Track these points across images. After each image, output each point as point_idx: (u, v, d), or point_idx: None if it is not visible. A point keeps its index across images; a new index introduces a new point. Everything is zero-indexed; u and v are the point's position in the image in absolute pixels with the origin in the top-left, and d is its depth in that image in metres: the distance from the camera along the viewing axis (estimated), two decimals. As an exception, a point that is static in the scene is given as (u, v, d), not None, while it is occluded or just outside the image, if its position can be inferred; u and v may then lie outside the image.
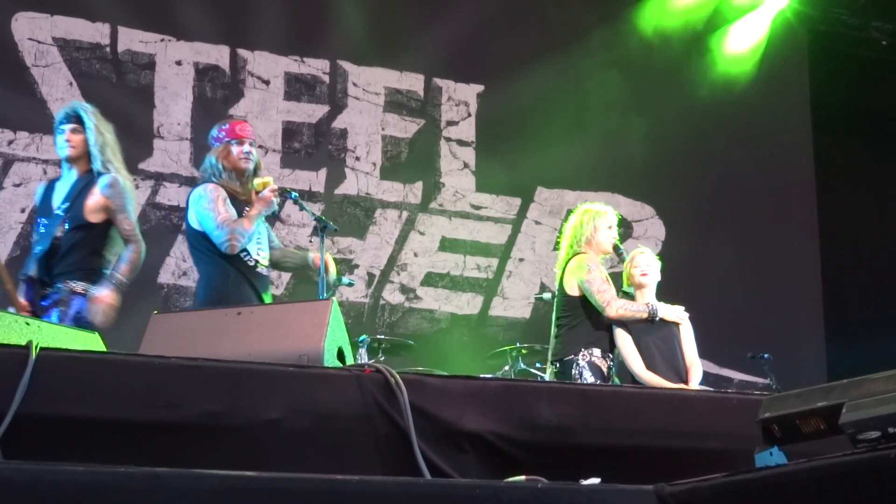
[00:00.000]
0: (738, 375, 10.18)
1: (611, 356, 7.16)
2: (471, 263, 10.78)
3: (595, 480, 3.19)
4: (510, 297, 10.84)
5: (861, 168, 12.18)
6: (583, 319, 7.15)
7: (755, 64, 11.70)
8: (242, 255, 6.35)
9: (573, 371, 7.00)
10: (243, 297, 6.21)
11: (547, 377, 7.42)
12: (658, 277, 7.63)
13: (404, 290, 10.49)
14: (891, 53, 12.13)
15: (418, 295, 10.52)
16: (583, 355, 7.02)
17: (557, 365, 7.16)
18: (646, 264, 7.61)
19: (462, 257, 10.76)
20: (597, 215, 7.35)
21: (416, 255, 10.60)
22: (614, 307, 7.06)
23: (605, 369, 7.05)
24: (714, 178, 11.45)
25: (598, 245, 7.29)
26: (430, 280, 10.59)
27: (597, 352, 7.05)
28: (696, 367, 7.49)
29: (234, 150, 6.47)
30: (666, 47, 11.35)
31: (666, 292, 7.72)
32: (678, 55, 11.42)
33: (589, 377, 6.93)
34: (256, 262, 6.41)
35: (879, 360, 3.62)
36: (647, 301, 7.41)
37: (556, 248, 10.70)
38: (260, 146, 9.77)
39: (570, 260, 7.30)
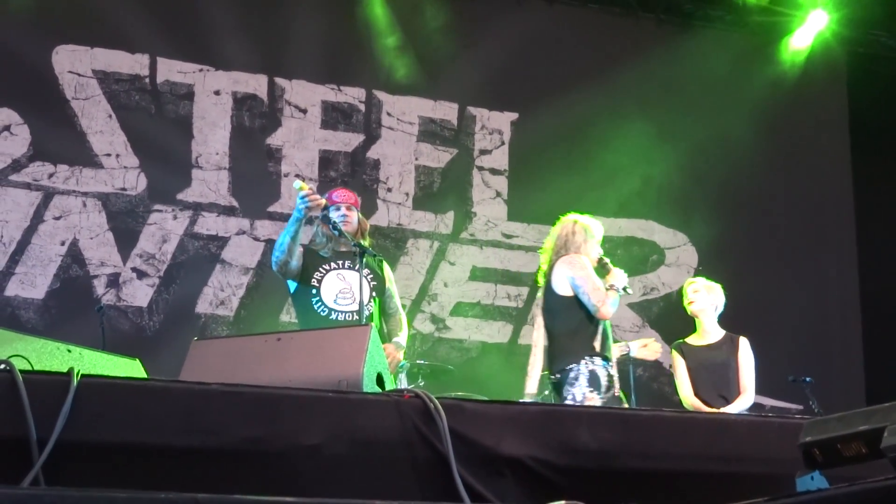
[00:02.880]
0: (769, 402, 10.10)
1: (612, 366, 7.03)
2: (501, 292, 10.78)
3: (635, 505, 3.18)
4: (540, 325, 10.80)
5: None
6: (581, 324, 6.96)
7: (793, 87, 11.67)
8: (315, 302, 6.57)
9: (569, 378, 6.82)
10: None
11: (530, 391, 7.21)
12: (710, 303, 7.70)
13: (434, 319, 10.49)
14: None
15: (447, 325, 10.52)
16: (585, 363, 6.88)
17: (557, 376, 6.98)
18: (692, 292, 7.73)
19: (493, 286, 10.76)
20: (588, 226, 7.30)
21: (446, 284, 10.61)
22: (609, 308, 6.96)
23: (604, 379, 6.84)
24: (749, 203, 11.43)
25: (588, 255, 7.22)
26: (460, 310, 10.59)
27: (598, 360, 6.91)
28: (745, 396, 7.54)
29: (332, 215, 6.69)
30: (700, 74, 11.33)
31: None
32: (713, 81, 11.40)
33: (584, 383, 6.77)
34: (331, 310, 6.54)
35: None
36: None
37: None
38: (297, 175, 9.85)
39: (555, 263, 7.20)
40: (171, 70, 10.02)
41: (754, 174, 11.46)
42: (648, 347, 7.63)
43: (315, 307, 6.58)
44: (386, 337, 6.74)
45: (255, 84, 10.29)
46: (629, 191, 10.79)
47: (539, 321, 7.31)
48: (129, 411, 3.42)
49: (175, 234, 9.78)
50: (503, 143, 11.03)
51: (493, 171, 10.98)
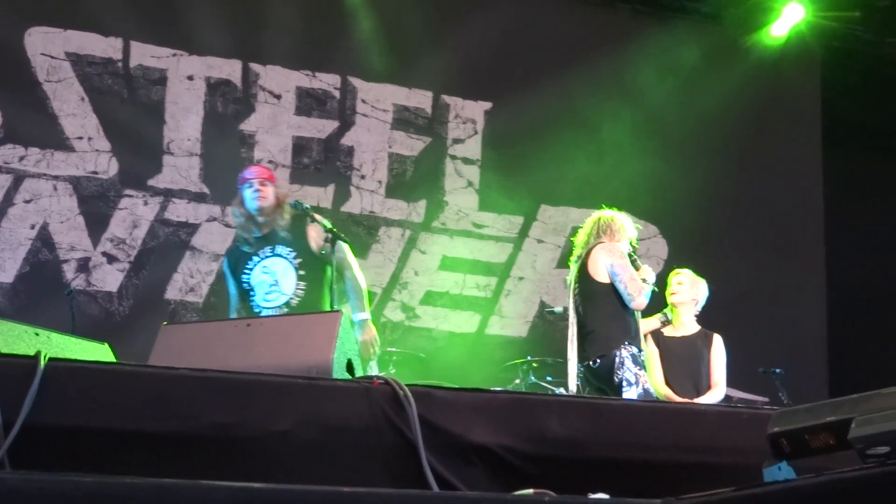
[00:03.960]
0: (736, 394, 10.13)
1: (643, 357, 7.08)
2: (470, 282, 10.78)
3: (603, 495, 3.18)
4: (508, 315, 10.83)
5: (871, 184, 12.16)
6: (619, 312, 7.03)
7: (768, 80, 11.70)
8: (252, 303, 6.68)
9: (615, 363, 6.86)
10: None
11: (572, 379, 7.24)
12: (691, 296, 7.75)
13: (405, 308, 10.49)
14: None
15: (417, 314, 10.52)
16: (626, 349, 6.91)
17: (598, 361, 6.99)
18: (676, 283, 7.78)
19: (462, 276, 10.75)
20: (624, 222, 7.35)
21: (416, 273, 10.60)
22: (643, 300, 7.03)
23: (643, 371, 6.94)
24: (720, 195, 11.43)
25: (622, 245, 7.27)
26: (430, 299, 10.58)
27: (634, 349, 6.95)
28: (716, 389, 7.59)
29: (245, 194, 6.80)
30: (675, 65, 11.36)
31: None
32: (688, 73, 11.42)
33: (632, 368, 6.83)
34: (262, 309, 6.61)
35: (883, 377, 3.61)
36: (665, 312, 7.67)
37: (558, 266, 10.77)
38: (270, 161, 9.82)
39: (593, 248, 7.22)
40: (145, 54, 9.95)
41: (727, 167, 11.48)
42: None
43: (254, 310, 6.68)
44: (345, 295, 6.76)
45: (229, 69, 10.24)
46: (601, 182, 10.77)
47: (573, 311, 7.32)
48: (96, 395, 3.40)
49: (146, 220, 9.73)
50: (476, 133, 11.02)
51: (466, 161, 10.96)
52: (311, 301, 6.57)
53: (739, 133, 11.57)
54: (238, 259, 6.78)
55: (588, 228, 7.38)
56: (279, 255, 6.65)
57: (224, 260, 7.08)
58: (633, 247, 7.44)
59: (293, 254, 6.66)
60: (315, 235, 6.71)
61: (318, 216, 6.71)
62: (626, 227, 7.36)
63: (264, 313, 6.56)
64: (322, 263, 6.63)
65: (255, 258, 6.70)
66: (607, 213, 7.41)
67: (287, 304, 6.53)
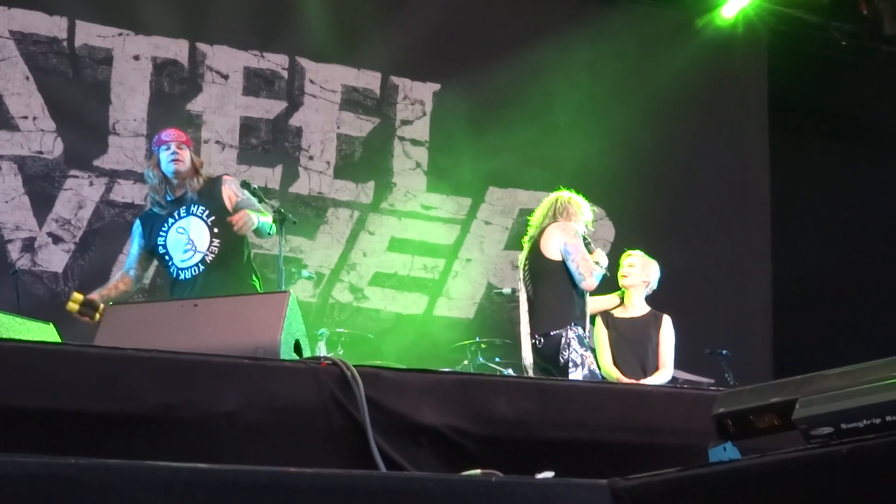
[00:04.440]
0: (682, 375, 10.21)
1: (590, 340, 7.11)
2: (418, 264, 10.78)
3: (549, 474, 3.19)
4: (455, 297, 10.84)
5: (818, 167, 12.25)
6: (568, 291, 7.06)
7: (715, 63, 11.76)
8: (169, 267, 6.69)
9: (561, 344, 6.89)
10: None
11: (527, 355, 7.28)
12: (641, 279, 7.78)
13: (353, 289, 10.47)
14: (850, 54, 12.21)
15: (366, 294, 10.51)
16: (572, 330, 6.94)
17: (542, 340, 7.03)
18: (628, 265, 7.82)
19: (410, 258, 10.75)
20: (581, 204, 7.40)
21: (364, 254, 10.58)
22: (593, 281, 7.07)
23: (589, 352, 6.98)
24: (667, 178, 11.49)
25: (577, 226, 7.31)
26: (378, 280, 10.58)
27: (580, 330, 6.98)
28: (663, 371, 7.64)
29: (162, 155, 6.75)
30: (623, 48, 11.39)
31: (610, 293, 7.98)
32: (636, 56, 11.46)
33: (578, 349, 6.85)
34: (179, 270, 6.63)
35: (827, 359, 3.64)
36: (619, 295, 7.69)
37: (505, 248, 10.78)
38: (217, 142, 9.75)
39: (547, 227, 7.25)
40: (90, 34, 9.86)
41: (674, 149, 11.54)
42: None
43: (171, 272, 6.68)
44: (256, 279, 6.79)
45: (176, 49, 10.17)
46: (548, 164, 10.78)
47: (523, 288, 7.36)
48: (41, 376, 3.37)
49: (91, 201, 9.66)
50: (425, 114, 11.01)
51: (414, 142, 10.96)
52: (226, 258, 6.61)
53: (687, 116, 11.63)
54: (153, 223, 6.75)
55: (544, 209, 7.41)
56: (193, 215, 6.65)
57: (136, 221, 6.94)
58: (589, 229, 7.48)
59: (206, 212, 6.65)
60: (230, 193, 6.73)
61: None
62: (582, 209, 7.41)
63: (182, 276, 6.58)
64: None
65: (170, 220, 6.69)
66: (565, 195, 7.45)
67: (203, 261, 6.55)
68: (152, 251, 6.76)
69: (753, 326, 11.66)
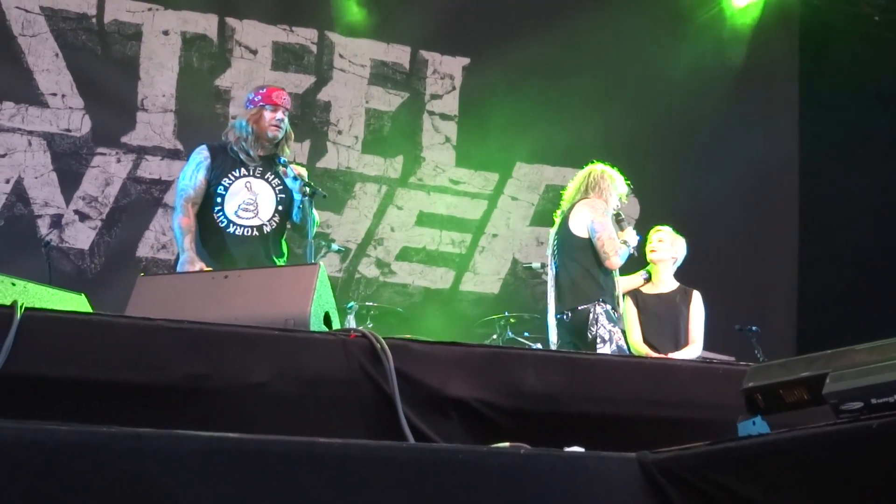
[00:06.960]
0: (707, 354, 10.18)
1: (619, 317, 7.12)
2: (446, 238, 10.77)
3: (579, 448, 3.19)
4: (481, 272, 10.84)
5: (847, 143, 12.15)
6: (593, 268, 7.08)
7: (747, 39, 11.69)
8: (216, 210, 6.49)
9: (589, 320, 6.91)
10: (206, 256, 6.41)
11: (553, 332, 7.31)
12: (670, 254, 7.77)
13: (380, 264, 10.49)
14: (883, 29, 12.10)
15: (392, 269, 10.51)
16: (600, 305, 6.95)
17: (569, 314, 7.05)
18: (657, 241, 7.80)
19: (438, 232, 10.75)
20: (615, 178, 7.39)
21: (392, 229, 10.59)
22: (617, 260, 7.09)
23: (618, 328, 7.00)
24: (696, 155, 11.44)
25: (608, 203, 7.30)
26: (406, 255, 10.58)
27: (608, 307, 6.99)
28: (693, 346, 7.62)
29: (267, 115, 6.59)
30: (656, 24, 11.32)
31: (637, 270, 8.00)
32: (668, 32, 11.39)
33: (606, 325, 6.86)
34: (230, 222, 6.48)
35: (852, 335, 3.62)
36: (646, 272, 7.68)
37: (531, 224, 10.77)
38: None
39: (577, 202, 7.26)
40: (120, 9, 9.87)
41: (703, 125, 11.48)
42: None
43: (216, 216, 6.53)
44: (286, 254, 6.74)
45: (206, 24, 10.17)
46: (576, 140, 10.74)
47: (552, 263, 7.38)
48: (73, 345, 3.39)
49: (118, 178, 9.69)
50: (454, 89, 10.99)
51: (444, 117, 10.94)
52: (277, 237, 6.60)
53: (717, 91, 11.56)
54: (223, 162, 6.60)
55: (577, 183, 7.41)
56: (268, 182, 6.59)
57: (205, 149, 6.67)
58: (623, 202, 7.47)
59: (280, 186, 6.60)
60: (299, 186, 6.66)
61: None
62: (616, 182, 7.40)
63: (232, 230, 6.49)
64: (294, 208, 6.61)
65: (244, 170, 6.59)
66: (598, 168, 7.45)
67: (260, 228, 6.50)
68: (207, 186, 6.59)
69: (778, 304, 11.60)
